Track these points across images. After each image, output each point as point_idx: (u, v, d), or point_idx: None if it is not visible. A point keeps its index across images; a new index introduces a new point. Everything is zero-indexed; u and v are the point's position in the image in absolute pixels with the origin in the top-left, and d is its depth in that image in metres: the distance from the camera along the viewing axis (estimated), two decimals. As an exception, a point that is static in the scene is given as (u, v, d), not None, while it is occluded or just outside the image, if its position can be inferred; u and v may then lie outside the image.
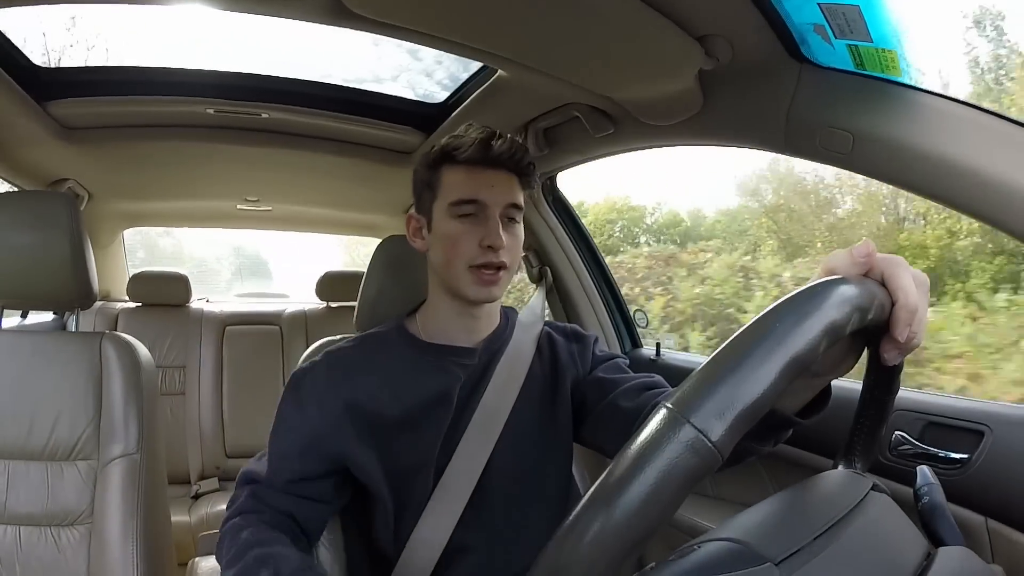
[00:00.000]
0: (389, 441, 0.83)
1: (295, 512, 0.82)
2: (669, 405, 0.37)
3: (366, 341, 0.91)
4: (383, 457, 0.82)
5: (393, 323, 0.94)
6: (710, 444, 0.35)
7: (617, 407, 0.90)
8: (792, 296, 0.43)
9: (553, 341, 0.97)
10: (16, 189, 1.68)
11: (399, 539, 0.82)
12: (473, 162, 0.84)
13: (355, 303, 1.09)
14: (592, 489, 0.36)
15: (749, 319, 0.42)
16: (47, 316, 1.81)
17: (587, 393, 0.94)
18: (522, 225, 0.89)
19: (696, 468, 0.35)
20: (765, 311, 0.42)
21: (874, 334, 0.54)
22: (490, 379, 0.88)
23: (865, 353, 0.58)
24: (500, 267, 0.84)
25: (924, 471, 0.61)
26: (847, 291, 0.45)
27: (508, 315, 0.97)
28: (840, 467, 0.63)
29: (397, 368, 0.87)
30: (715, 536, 0.43)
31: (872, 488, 0.55)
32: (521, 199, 0.87)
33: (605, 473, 0.37)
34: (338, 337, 1.06)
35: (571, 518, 0.36)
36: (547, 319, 1.03)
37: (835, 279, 0.45)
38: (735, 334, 0.41)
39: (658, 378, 0.92)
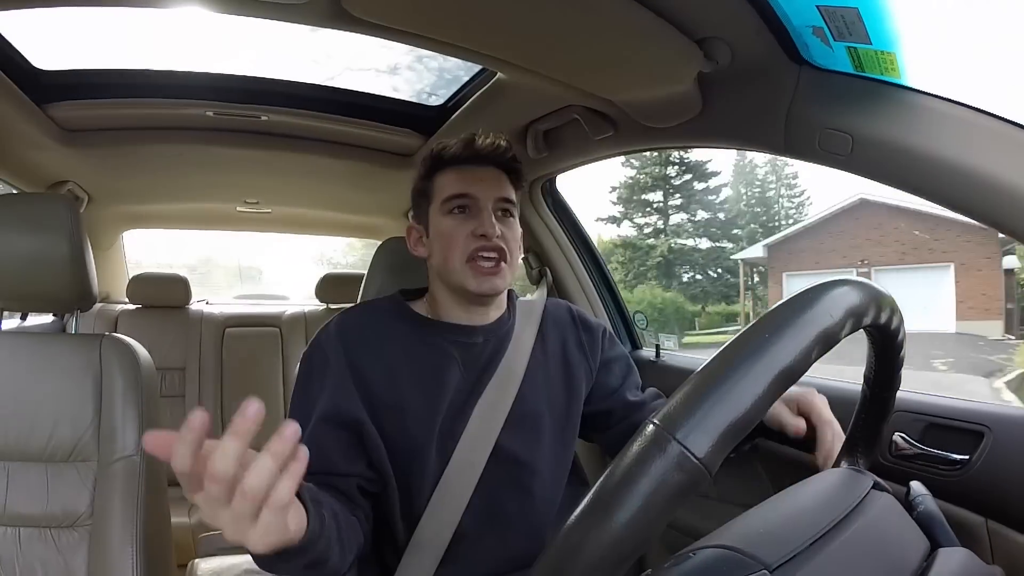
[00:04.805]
0: (388, 418, 0.82)
1: (343, 490, 0.78)
2: (656, 422, 0.37)
3: (368, 312, 0.91)
4: (384, 435, 0.82)
5: (392, 297, 0.94)
6: (696, 460, 0.35)
7: (612, 413, 0.93)
8: (783, 304, 0.43)
9: (560, 324, 0.98)
10: (16, 191, 1.69)
11: (408, 524, 0.82)
12: (460, 160, 0.89)
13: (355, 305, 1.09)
14: (581, 507, 0.37)
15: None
16: (47, 318, 1.81)
17: (593, 389, 0.95)
18: (517, 221, 0.91)
19: (683, 484, 0.35)
20: (756, 320, 0.41)
21: (875, 336, 0.54)
22: (496, 368, 0.88)
23: (866, 350, 0.58)
24: (498, 257, 0.85)
25: (916, 486, 0.61)
26: (840, 295, 0.44)
27: (512, 298, 0.98)
28: (843, 464, 0.64)
29: (392, 344, 0.86)
30: (710, 543, 0.43)
31: (873, 486, 0.55)
32: (512, 194, 0.90)
33: (594, 489, 0.37)
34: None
35: (560, 536, 0.36)
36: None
37: (829, 282, 0.45)
38: (725, 345, 0.41)
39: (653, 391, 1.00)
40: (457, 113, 1.39)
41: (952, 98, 0.74)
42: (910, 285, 11.32)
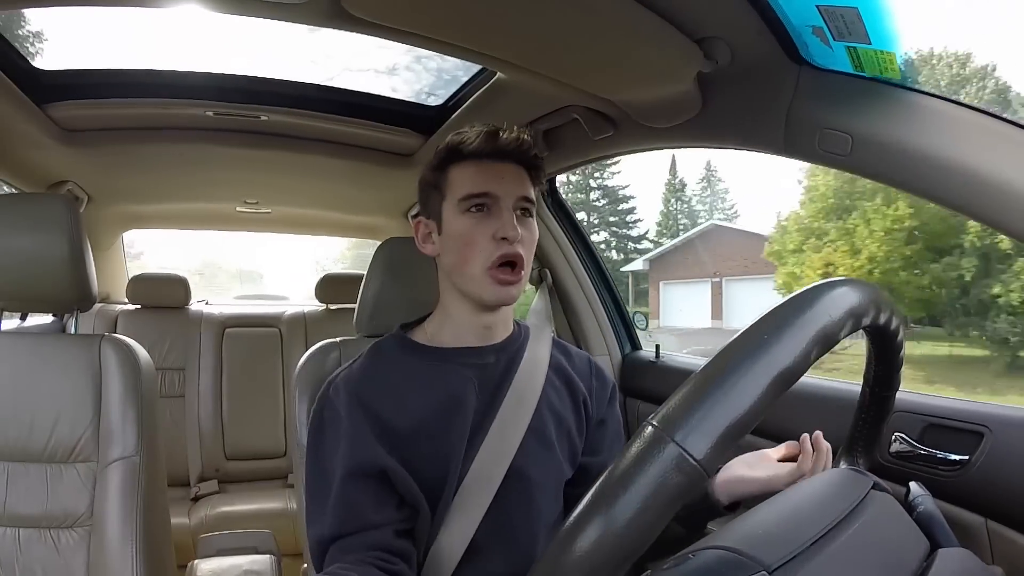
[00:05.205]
0: (414, 451, 0.79)
1: (380, 542, 0.76)
2: (655, 423, 0.37)
3: (372, 355, 0.88)
4: (412, 468, 0.79)
5: (394, 334, 0.91)
6: (694, 462, 0.35)
7: (587, 472, 0.90)
8: (782, 304, 0.42)
9: (574, 357, 0.96)
10: (16, 191, 1.69)
11: (423, 542, 0.80)
12: (481, 155, 0.82)
13: (354, 305, 1.09)
14: (579, 508, 0.36)
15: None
16: (47, 318, 1.81)
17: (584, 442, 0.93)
18: (535, 221, 0.86)
19: (681, 485, 0.35)
20: (754, 321, 0.41)
21: (874, 336, 0.54)
22: (509, 386, 0.86)
23: (865, 350, 0.57)
24: (517, 264, 0.81)
25: (915, 487, 0.61)
26: (840, 295, 0.43)
27: (520, 324, 0.95)
28: (842, 464, 0.64)
29: (404, 378, 0.84)
30: (709, 544, 0.42)
31: (872, 487, 0.55)
32: (532, 193, 0.85)
33: (593, 491, 0.37)
34: (338, 339, 1.06)
35: (559, 537, 0.36)
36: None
37: (828, 282, 0.45)
38: (724, 346, 0.40)
39: None
40: (457, 113, 1.39)
41: (952, 97, 0.74)
42: (751, 291, 13.90)
